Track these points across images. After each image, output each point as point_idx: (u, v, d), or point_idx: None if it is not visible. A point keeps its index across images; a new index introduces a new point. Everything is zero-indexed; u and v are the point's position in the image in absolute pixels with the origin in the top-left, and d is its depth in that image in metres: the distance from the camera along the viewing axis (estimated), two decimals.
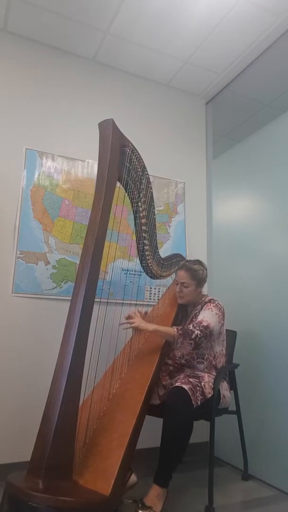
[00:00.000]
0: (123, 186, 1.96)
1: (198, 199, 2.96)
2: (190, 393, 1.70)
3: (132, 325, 1.90)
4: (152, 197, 2.07)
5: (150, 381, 1.77)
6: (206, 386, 1.81)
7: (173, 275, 2.32)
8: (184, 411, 1.68)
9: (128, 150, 1.90)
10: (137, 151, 1.96)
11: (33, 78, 2.54)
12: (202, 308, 2.02)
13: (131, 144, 1.92)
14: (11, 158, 2.37)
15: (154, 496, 1.64)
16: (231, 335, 2.26)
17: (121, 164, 1.88)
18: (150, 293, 2.61)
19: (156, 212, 2.19)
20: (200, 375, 1.88)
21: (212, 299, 2.07)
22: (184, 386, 1.72)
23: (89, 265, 1.58)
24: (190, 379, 1.79)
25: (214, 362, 1.98)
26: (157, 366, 1.87)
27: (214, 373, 1.96)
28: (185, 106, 3.05)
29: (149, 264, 2.07)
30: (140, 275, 2.54)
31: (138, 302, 2.51)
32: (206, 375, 1.90)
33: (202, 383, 1.80)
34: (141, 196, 2.00)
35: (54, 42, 2.60)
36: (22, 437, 2.00)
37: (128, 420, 1.59)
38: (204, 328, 1.86)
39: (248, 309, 2.42)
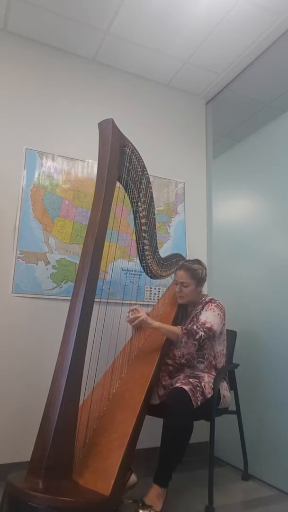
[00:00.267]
0: (123, 186, 1.96)
1: (198, 199, 2.96)
2: (190, 394, 1.70)
3: (139, 318, 1.86)
4: (152, 197, 2.07)
5: (150, 381, 1.77)
6: (206, 386, 1.81)
7: (173, 275, 2.32)
8: (184, 412, 1.68)
9: (128, 150, 1.90)
10: (137, 151, 1.96)
11: (33, 78, 2.54)
12: (203, 308, 2.02)
13: (131, 144, 1.93)
14: (11, 158, 2.37)
15: (154, 495, 1.64)
16: (231, 335, 2.26)
17: (121, 164, 1.87)
18: (150, 293, 2.61)
19: (156, 212, 2.20)
20: (200, 375, 1.88)
21: (213, 298, 2.07)
22: (184, 387, 1.72)
23: (89, 265, 1.58)
24: (190, 380, 1.79)
25: (214, 362, 1.98)
26: (157, 366, 1.87)
27: (214, 373, 1.96)
28: (185, 106, 3.05)
29: (149, 264, 2.07)
30: (140, 275, 2.54)
31: (138, 302, 2.51)
32: (206, 375, 1.90)
33: (202, 384, 1.80)
34: (141, 196, 2.00)
35: (54, 42, 2.60)
36: (22, 437, 2.01)
37: (128, 420, 1.59)
38: (207, 330, 1.86)
39: (248, 309, 2.42)
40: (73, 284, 1.63)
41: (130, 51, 2.65)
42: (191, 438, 1.71)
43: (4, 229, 2.28)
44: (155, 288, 2.63)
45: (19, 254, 2.28)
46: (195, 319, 2.02)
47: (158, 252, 2.16)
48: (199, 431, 2.05)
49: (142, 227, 2.01)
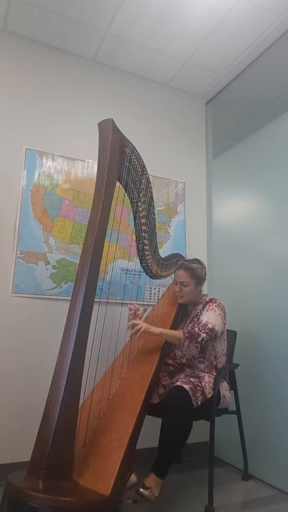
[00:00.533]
0: (122, 186, 1.96)
1: (198, 199, 2.96)
2: (190, 393, 1.70)
3: (140, 330, 1.85)
4: (152, 197, 2.07)
5: (150, 381, 1.77)
6: (207, 386, 1.81)
7: (173, 275, 2.32)
8: (183, 411, 1.68)
9: (128, 150, 1.90)
10: (137, 151, 1.96)
11: (33, 78, 2.54)
12: (203, 308, 2.02)
13: (131, 144, 1.93)
14: (11, 158, 2.37)
15: (153, 481, 1.65)
16: (231, 335, 2.26)
17: (120, 164, 1.88)
18: (150, 293, 2.61)
19: (156, 212, 2.20)
20: (200, 375, 1.88)
21: (213, 298, 2.07)
22: (185, 386, 1.72)
23: (89, 265, 1.59)
24: (191, 379, 1.79)
25: (215, 363, 1.98)
26: (157, 366, 1.87)
27: (214, 373, 1.96)
28: (185, 106, 3.05)
29: (149, 264, 2.07)
30: (140, 275, 2.54)
31: (138, 302, 2.51)
32: (206, 375, 1.90)
33: (203, 383, 1.80)
34: (141, 196, 2.00)
35: (54, 42, 2.60)
36: (22, 437, 2.01)
37: (128, 420, 1.59)
38: (209, 331, 1.86)
39: (248, 308, 2.42)
40: (73, 284, 1.63)
41: (130, 51, 2.65)
42: (191, 438, 1.72)
43: (4, 229, 2.28)
44: (155, 288, 2.63)
45: (19, 254, 2.28)
46: (195, 319, 2.03)
47: (158, 252, 2.16)
48: (199, 431, 2.06)
49: (142, 227, 2.01)
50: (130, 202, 2.03)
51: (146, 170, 2.03)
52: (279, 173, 2.36)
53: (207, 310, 1.98)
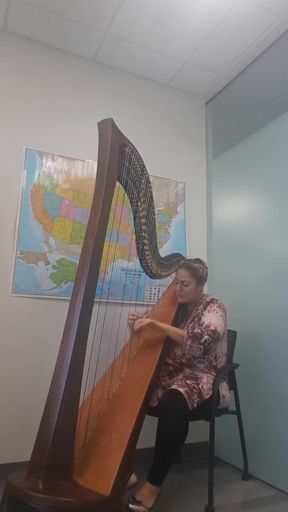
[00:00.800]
0: (122, 185, 1.96)
1: (198, 199, 2.96)
2: (186, 396, 1.69)
3: (147, 322, 1.90)
4: (151, 197, 2.06)
5: (150, 381, 1.77)
6: (204, 387, 1.81)
7: (173, 275, 2.32)
8: (178, 414, 1.68)
9: (128, 150, 1.90)
10: (137, 151, 1.96)
11: (33, 78, 2.54)
12: (205, 309, 2.02)
13: (131, 143, 1.92)
14: (11, 158, 2.37)
15: (146, 492, 1.65)
16: (231, 335, 2.26)
17: (120, 163, 1.87)
18: (150, 293, 2.61)
19: (156, 212, 2.20)
20: (198, 376, 1.88)
21: (214, 298, 2.07)
22: (180, 389, 1.71)
23: (88, 265, 1.58)
24: (188, 381, 1.79)
25: (214, 363, 1.98)
26: (157, 366, 1.87)
27: (214, 373, 1.95)
28: (185, 106, 3.05)
29: (149, 264, 2.07)
30: (140, 275, 2.54)
31: (138, 302, 2.51)
32: (205, 376, 1.89)
33: (200, 385, 1.80)
34: (140, 196, 2.00)
35: (54, 42, 2.60)
36: (22, 437, 2.01)
37: (128, 420, 1.59)
38: (212, 333, 1.86)
39: (248, 308, 2.42)
40: (73, 284, 1.62)
41: (130, 51, 2.65)
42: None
43: (4, 229, 2.28)
44: (155, 288, 2.63)
45: (19, 254, 2.28)
46: (196, 319, 2.02)
47: (158, 252, 2.16)
48: (199, 431, 2.06)
49: (142, 227, 2.01)
50: (130, 202, 2.03)
51: (146, 170, 2.03)
52: (279, 173, 2.36)
53: (208, 311, 1.98)
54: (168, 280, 2.46)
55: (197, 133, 3.07)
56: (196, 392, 1.75)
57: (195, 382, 1.80)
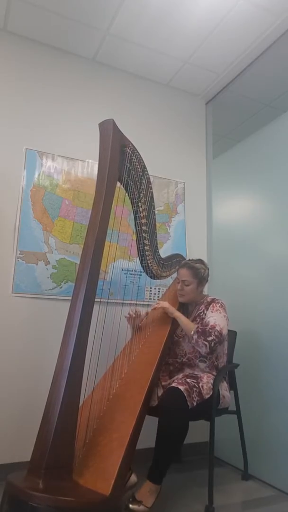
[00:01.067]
0: (123, 186, 1.96)
1: (198, 199, 2.96)
2: (185, 394, 1.69)
3: (160, 305, 2.02)
4: (152, 197, 2.07)
5: (151, 381, 1.77)
6: (204, 386, 1.81)
7: (173, 276, 2.33)
8: (178, 412, 1.68)
9: (129, 150, 1.90)
10: (138, 151, 1.96)
11: (33, 78, 2.54)
12: (207, 309, 2.02)
13: (132, 144, 1.93)
14: (11, 158, 2.37)
15: (146, 491, 1.65)
16: (231, 335, 2.26)
17: (121, 164, 1.88)
18: (150, 293, 2.61)
19: (156, 212, 2.20)
20: (199, 375, 1.88)
21: (215, 298, 2.07)
22: (180, 387, 1.71)
23: (89, 265, 1.59)
24: (188, 380, 1.79)
25: (216, 363, 1.98)
26: (158, 366, 1.87)
27: (214, 372, 1.96)
28: (185, 106, 3.05)
29: (149, 264, 2.07)
30: (140, 275, 2.54)
31: (138, 302, 2.51)
32: (205, 375, 1.90)
33: (200, 384, 1.80)
34: (141, 196, 2.00)
35: (54, 42, 2.60)
36: (22, 437, 2.01)
37: (128, 420, 1.59)
38: (219, 334, 1.86)
39: (248, 309, 2.42)
40: (73, 284, 1.63)
41: (130, 51, 2.65)
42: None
43: (4, 229, 2.28)
44: (155, 288, 2.63)
45: (19, 254, 2.28)
46: (198, 319, 2.03)
47: (158, 252, 2.16)
48: (199, 431, 2.06)
49: (143, 227, 2.01)
50: (131, 202, 2.03)
51: (147, 170, 2.03)
52: (279, 173, 2.36)
53: (211, 311, 1.98)
54: (169, 281, 2.46)
55: (197, 133, 3.07)
56: (196, 390, 1.75)
57: (195, 381, 1.80)
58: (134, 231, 2.05)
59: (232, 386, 2.16)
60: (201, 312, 2.04)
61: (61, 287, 2.35)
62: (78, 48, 2.65)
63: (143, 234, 2.02)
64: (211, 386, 1.85)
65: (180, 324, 1.97)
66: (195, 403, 1.72)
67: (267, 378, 2.22)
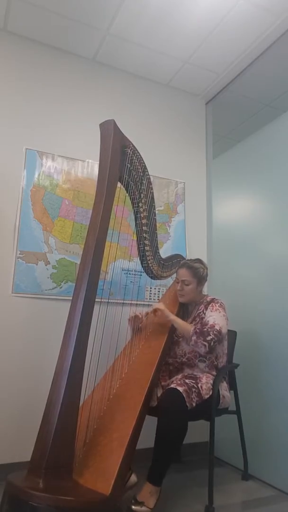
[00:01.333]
0: (124, 186, 1.96)
1: (198, 199, 2.96)
2: (184, 395, 1.69)
3: (156, 306, 2.00)
4: (152, 198, 2.07)
5: (151, 381, 1.77)
6: (203, 387, 1.81)
7: (173, 276, 2.33)
8: (177, 413, 1.68)
9: (129, 151, 1.90)
10: (138, 152, 1.96)
11: (33, 78, 2.54)
12: (206, 308, 2.02)
13: (132, 144, 1.93)
14: (11, 158, 2.37)
15: (147, 492, 1.65)
16: (231, 335, 2.26)
17: (122, 164, 1.88)
18: (150, 293, 2.61)
19: (156, 212, 2.20)
20: (198, 376, 1.88)
21: (214, 298, 2.08)
22: (178, 388, 1.71)
23: (90, 265, 1.59)
24: (186, 381, 1.79)
25: (216, 363, 1.98)
26: (158, 366, 1.87)
27: (214, 372, 1.96)
28: (185, 106, 3.05)
29: (150, 264, 2.07)
30: (141, 275, 2.55)
31: (138, 302, 2.51)
32: (204, 376, 1.89)
33: (199, 385, 1.80)
34: (141, 197, 2.00)
35: (54, 42, 2.60)
36: (22, 437, 2.01)
37: (129, 420, 1.59)
38: (218, 333, 1.86)
39: (248, 309, 2.42)
40: (73, 284, 1.63)
41: (130, 51, 2.65)
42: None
43: (4, 229, 2.28)
44: (155, 288, 2.63)
45: (19, 254, 2.28)
46: (197, 319, 2.03)
47: (158, 252, 2.16)
48: (199, 431, 2.06)
49: (143, 227, 2.01)
50: (131, 202, 2.03)
51: (147, 171, 2.03)
52: (279, 173, 2.36)
53: (211, 311, 1.99)
54: (169, 281, 2.46)
55: (197, 133, 3.07)
56: (195, 391, 1.75)
57: (194, 382, 1.80)
58: (135, 231, 2.06)
59: (232, 386, 2.16)
60: (201, 312, 2.04)
61: (61, 287, 2.35)
62: (78, 48, 2.65)
63: (144, 234, 2.02)
64: (210, 386, 1.85)
65: (177, 328, 1.96)
66: (194, 404, 1.72)
67: (267, 378, 2.22)
